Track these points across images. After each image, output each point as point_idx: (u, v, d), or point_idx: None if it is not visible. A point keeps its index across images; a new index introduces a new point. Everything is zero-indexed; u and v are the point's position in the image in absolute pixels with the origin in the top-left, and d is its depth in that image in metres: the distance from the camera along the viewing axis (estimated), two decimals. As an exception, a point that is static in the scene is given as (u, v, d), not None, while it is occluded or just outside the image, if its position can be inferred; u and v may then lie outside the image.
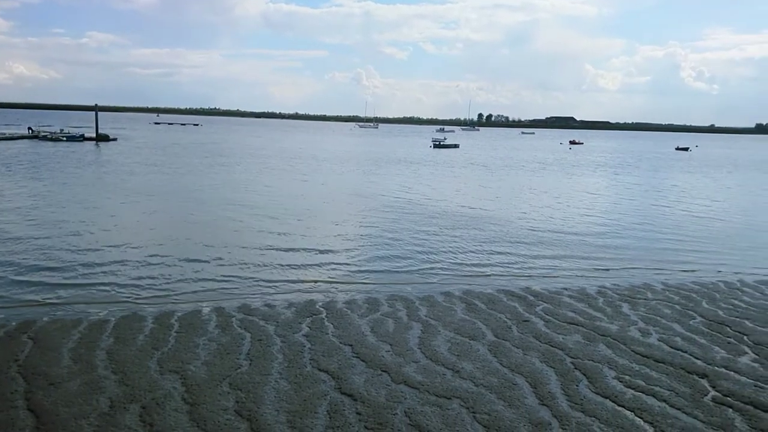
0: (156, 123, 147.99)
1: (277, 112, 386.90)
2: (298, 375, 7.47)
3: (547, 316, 10.20)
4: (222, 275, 12.43)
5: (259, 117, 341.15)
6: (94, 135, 61.14)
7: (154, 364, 7.65)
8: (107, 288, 11.26)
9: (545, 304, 10.93)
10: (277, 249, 15.14)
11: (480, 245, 16.47)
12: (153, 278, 12.02)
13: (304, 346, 8.44)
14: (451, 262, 14.34)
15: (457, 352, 8.40)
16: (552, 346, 8.76)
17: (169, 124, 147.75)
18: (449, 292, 11.68)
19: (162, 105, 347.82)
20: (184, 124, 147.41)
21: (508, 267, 14.12)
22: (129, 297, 10.73)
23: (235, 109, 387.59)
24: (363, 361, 7.97)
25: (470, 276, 13.15)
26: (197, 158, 46.04)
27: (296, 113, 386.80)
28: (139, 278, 11.97)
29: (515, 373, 7.76)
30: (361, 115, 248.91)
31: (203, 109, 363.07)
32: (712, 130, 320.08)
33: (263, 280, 12.18)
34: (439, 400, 6.90)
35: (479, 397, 7.02)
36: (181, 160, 44.09)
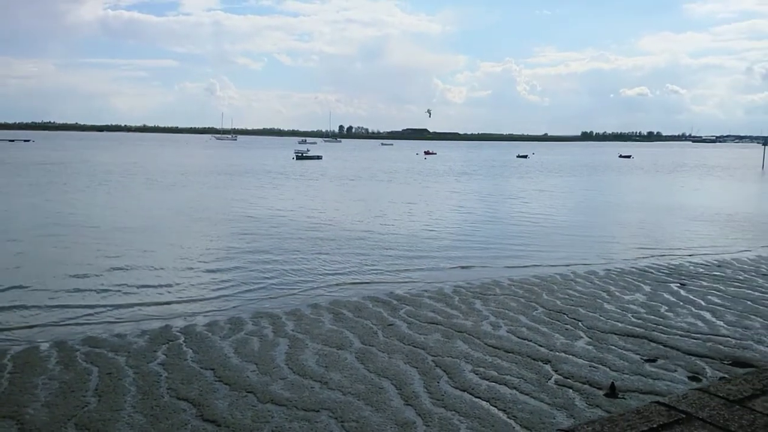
0: None
1: (123, 124, 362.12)
2: (154, 406, 6.99)
3: (410, 318, 10.60)
4: (61, 306, 11.24)
5: (102, 130, 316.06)
6: None
7: (-20, 414, 6.72)
8: None
9: (408, 307, 11.35)
10: (124, 274, 14.02)
11: (345, 255, 16.66)
12: (-24, 316, 10.53)
13: (161, 376, 7.93)
14: (317, 275, 14.33)
15: (325, 364, 8.42)
16: (415, 347, 9.12)
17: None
18: (317, 303, 11.66)
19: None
20: (12, 141, 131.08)
21: (373, 274, 14.44)
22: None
23: (74, 122, 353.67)
24: (226, 384, 7.67)
25: (337, 286, 13.24)
26: (24, 178, 41.25)
27: (144, 125, 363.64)
28: (-42, 317, 10.43)
29: (381, 377, 7.96)
30: (218, 126, 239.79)
31: (35, 123, 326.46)
32: (545, 138, 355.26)
33: (110, 309, 11.20)
34: (308, 414, 6.86)
35: (347, 405, 7.10)
36: (3, 180, 39.22)
